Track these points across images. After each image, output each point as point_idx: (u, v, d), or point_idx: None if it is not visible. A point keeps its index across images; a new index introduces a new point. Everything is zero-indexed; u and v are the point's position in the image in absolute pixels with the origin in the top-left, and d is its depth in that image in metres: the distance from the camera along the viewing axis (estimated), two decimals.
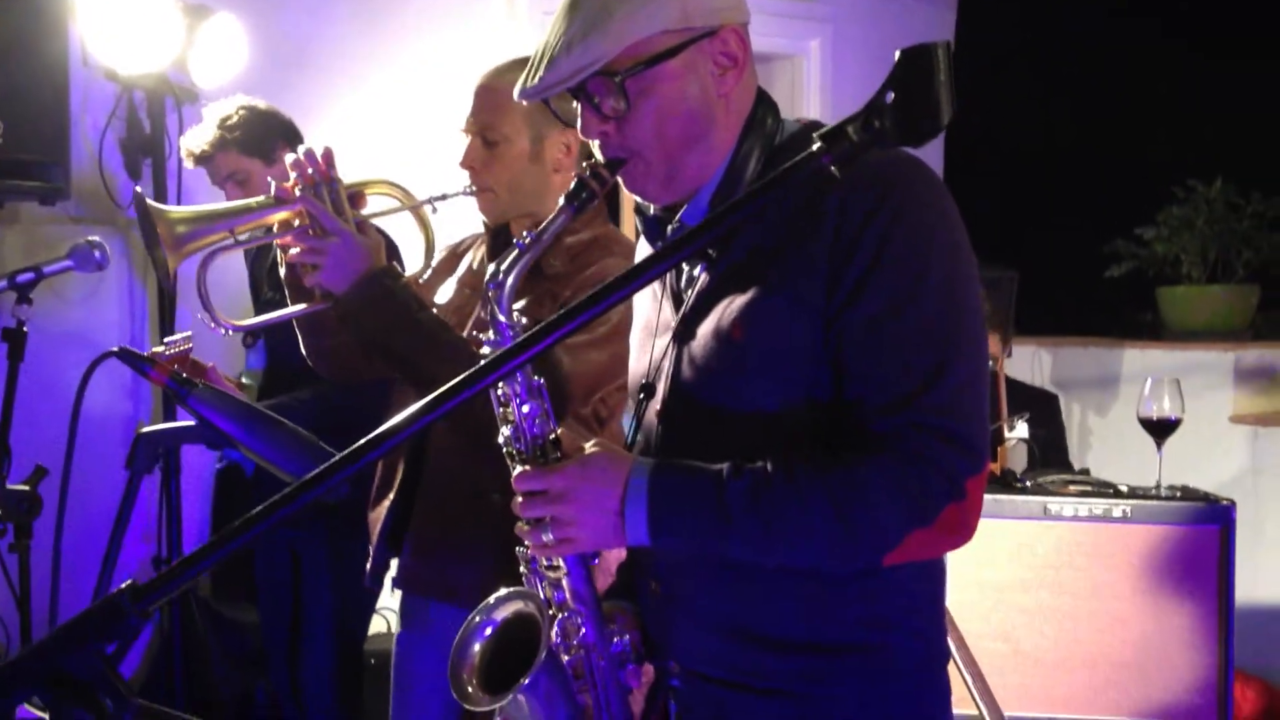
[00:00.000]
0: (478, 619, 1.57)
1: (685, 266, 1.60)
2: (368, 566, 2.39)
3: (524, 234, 1.56)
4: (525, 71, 1.52)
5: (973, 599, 2.93)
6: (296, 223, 2.13)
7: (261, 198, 2.16)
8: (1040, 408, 4.80)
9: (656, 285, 1.66)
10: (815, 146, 1.11)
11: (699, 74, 1.51)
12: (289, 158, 2.16)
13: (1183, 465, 3.52)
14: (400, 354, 2.08)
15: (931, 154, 5.52)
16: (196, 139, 3.12)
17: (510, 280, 1.55)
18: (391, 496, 2.34)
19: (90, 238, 2.74)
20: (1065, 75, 5.92)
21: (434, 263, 2.39)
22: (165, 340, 2.37)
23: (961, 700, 2.76)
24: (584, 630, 1.57)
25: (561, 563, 1.55)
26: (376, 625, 3.49)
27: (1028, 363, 5.06)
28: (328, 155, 2.16)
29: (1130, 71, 5.81)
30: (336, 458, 0.88)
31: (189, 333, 2.41)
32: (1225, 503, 2.94)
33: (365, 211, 2.23)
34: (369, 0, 4.30)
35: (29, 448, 2.94)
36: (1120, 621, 2.90)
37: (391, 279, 2.10)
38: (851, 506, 1.40)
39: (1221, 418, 4.67)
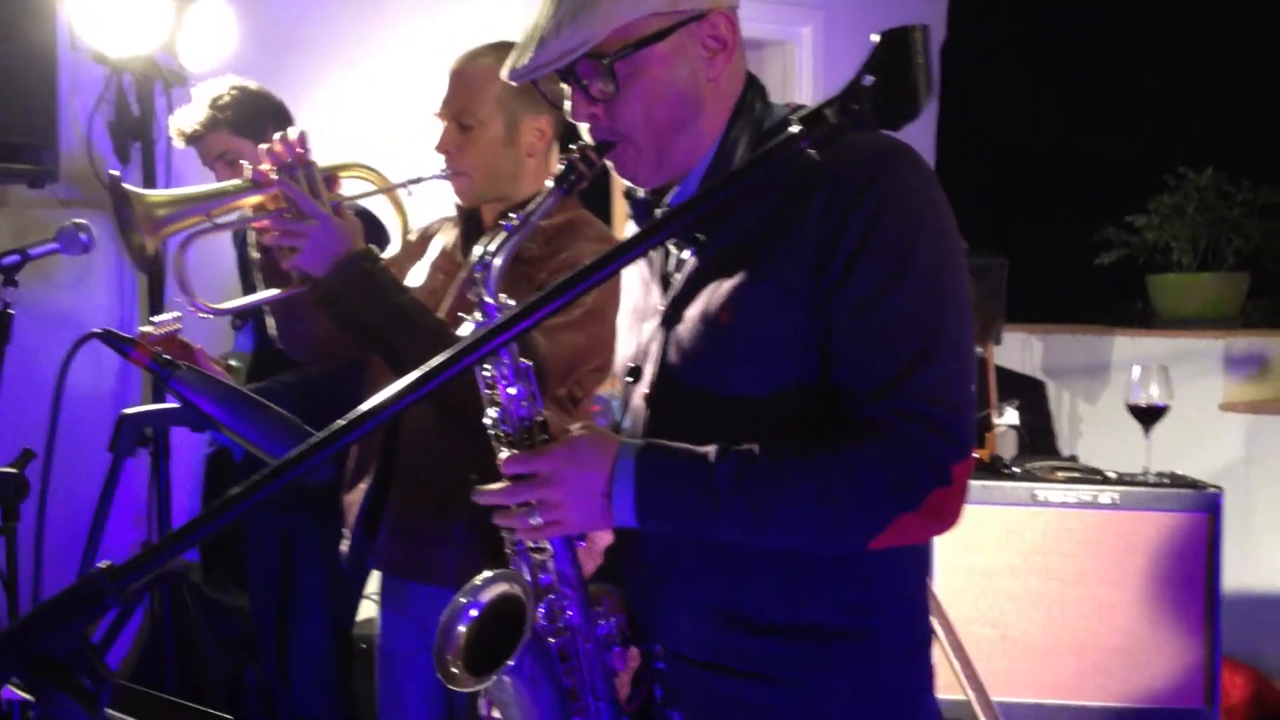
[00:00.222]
0: (463, 600, 1.57)
1: (674, 250, 1.59)
2: (344, 550, 2.40)
3: (512, 216, 1.56)
4: (514, 52, 1.52)
5: (961, 584, 2.94)
6: (273, 206, 2.13)
7: (238, 181, 2.17)
8: (1027, 394, 4.81)
9: (645, 269, 1.66)
10: (794, 129, 1.11)
11: (688, 57, 1.51)
12: (263, 145, 2.16)
13: (1173, 453, 3.52)
14: (381, 336, 2.09)
15: (923, 143, 5.52)
16: (187, 118, 3.11)
17: (499, 262, 1.55)
18: (368, 480, 2.34)
19: (76, 220, 2.73)
20: (1056, 64, 5.91)
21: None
22: (153, 320, 2.37)
23: (950, 685, 2.77)
24: (570, 613, 1.57)
25: (547, 545, 1.55)
26: (367, 610, 3.49)
27: (1019, 350, 5.06)
28: (302, 138, 2.17)
29: (1120, 61, 5.81)
30: (315, 438, 0.88)
31: (178, 314, 2.40)
32: (1213, 490, 2.95)
33: (342, 194, 2.23)
34: None
35: (17, 431, 2.93)
36: (1108, 607, 2.91)
37: (370, 261, 2.11)
38: (838, 490, 1.40)
39: (1212, 405, 4.68)
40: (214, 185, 2.21)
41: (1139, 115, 5.65)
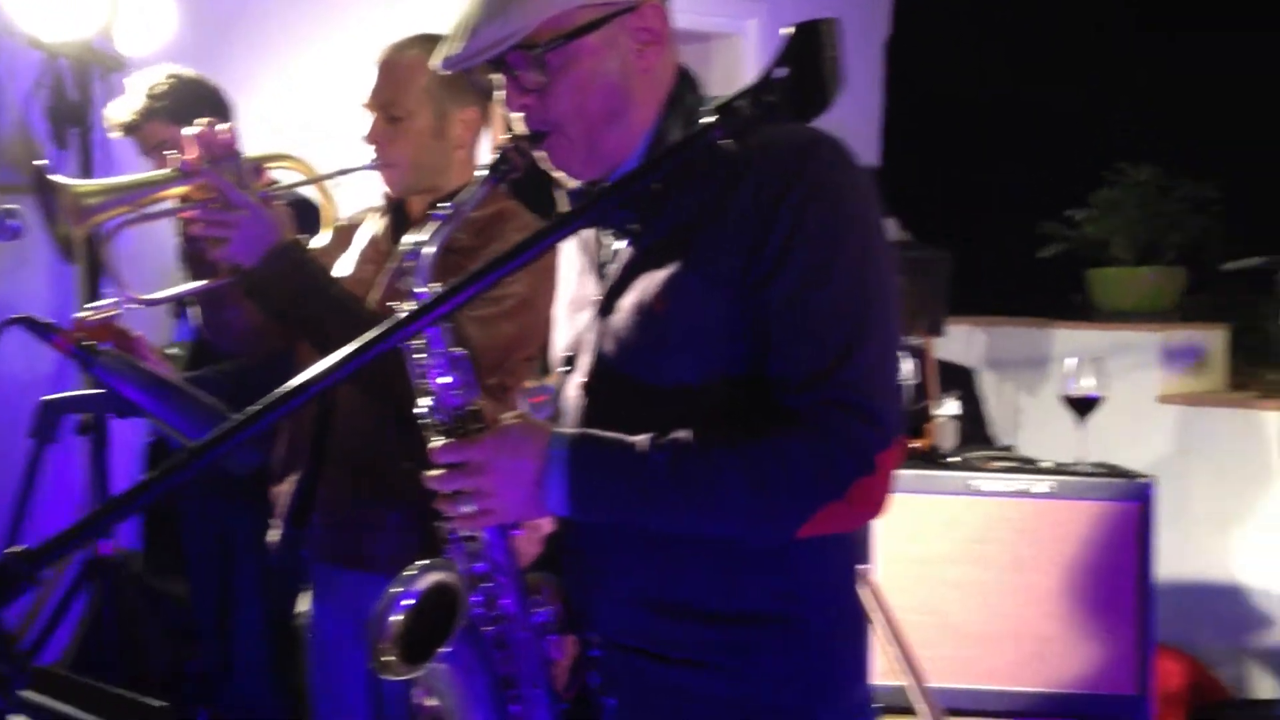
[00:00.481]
0: (397, 589, 1.58)
1: (608, 241, 1.60)
2: (272, 539, 2.39)
3: (442, 205, 1.56)
4: (445, 42, 1.52)
5: (901, 573, 2.97)
6: (201, 196, 2.12)
7: (166, 171, 2.16)
8: (969, 386, 4.86)
9: (581, 260, 1.67)
10: (707, 120, 1.12)
11: (619, 49, 1.52)
12: (187, 131, 2.15)
13: (1112, 444, 3.58)
14: (312, 326, 2.09)
15: (869, 137, 5.55)
16: (123, 108, 3.08)
17: (431, 251, 1.54)
18: (299, 470, 2.34)
19: (7, 205, 2.69)
20: (1000, 60, 5.97)
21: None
22: (90, 306, 2.35)
23: (889, 672, 2.80)
24: (505, 601, 1.57)
25: (482, 533, 1.55)
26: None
27: (961, 342, 5.11)
28: (232, 129, 2.16)
29: (1063, 57, 5.88)
30: (232, 421, 0.87)
31: (117, 300, 2.38)
32: (1144, 480, 3.00)
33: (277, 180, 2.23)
34: None
35: None
36: (1043, 595, 2.96)
37: (300, 251, 2.11)
38: (767, 481, 1.42)
39: (1150, 397, 4.75)
40: (142, 175, 2.20)
41: (1081, 111, 5.72)
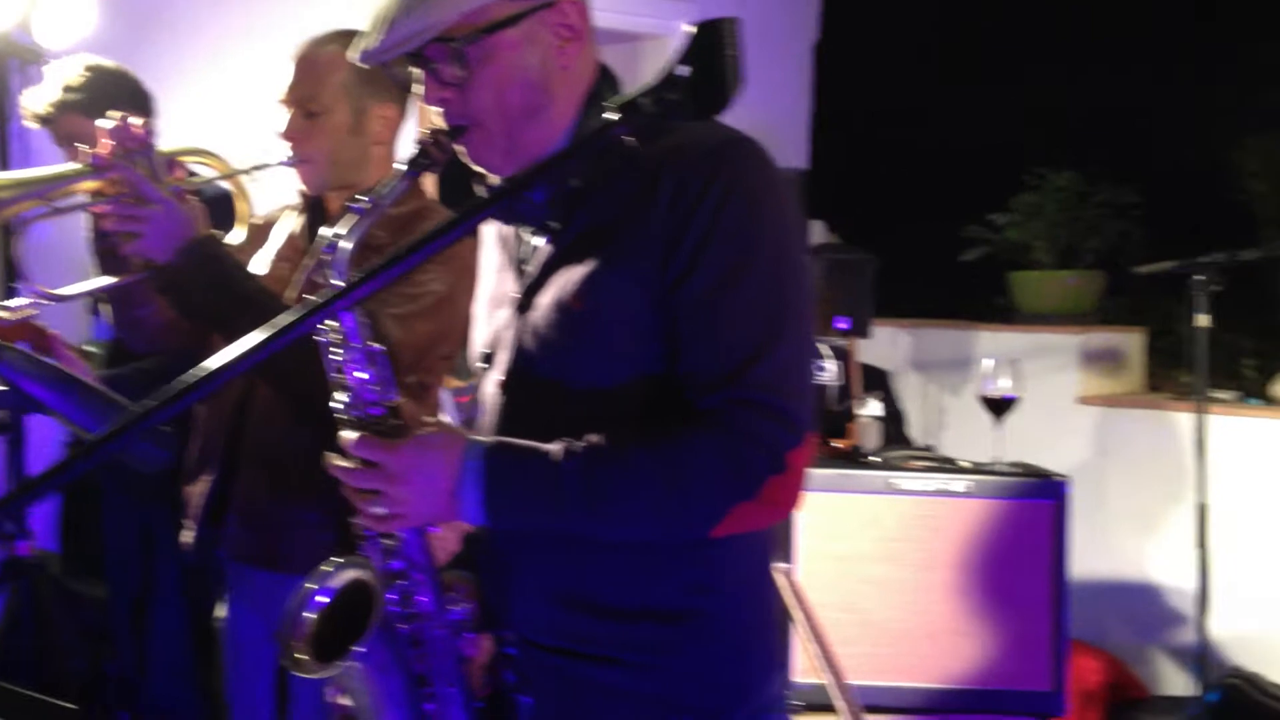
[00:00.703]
0: (310, 587, 1.57)
1: (527, 238, 1.61)
2: (185, 539, 2.37)
3: (360, 198, 1.55)
4: (365, 34, 1.52)
5: (822, 570, 3.00)
6: (113, 191, 2.09)
7: (77, 165, 2.13)
8: (893, 387, 4.92)
9: (501, 257, 1.67)
10: (610, 117, 1.13)
11: (539, 44, 1.52)
12: (102, 123, 2.13)
13: (1032, 444, 3.64)
14: (227, 323, 2.07)
15: (797, 142, 5.59)
16: (37, 100, 3.03)
17: (349, 245, 1.54)
18: (213, 469, 2.32)
19: None
20: (926, 65, 6.06)
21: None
22: (7, 305, 2.31)
23: (809, 670, 2.83)
24: (421, 599, 1.57)
25: (398, 531, 1.55)
26: None
27: (887, 344, 5.17)
28: (147, 123, 2.14)
29: (987, 63, 5.97)
30: (133, 411, 0.87)
31: (30, 298, 2.35)
32: (1058, 479, 3.05)
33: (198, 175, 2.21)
34: None
35: None
36: (961, 592, 3.00)
37: (214, 247, 2.09)
38: (679, 482, 1.43)
39: (1069, 398, 4.84)
40: (52, 169, 2.16)
41: (1004, 115, 5.82)
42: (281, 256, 2.35)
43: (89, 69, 3.05)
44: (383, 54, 1.50)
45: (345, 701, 1.60)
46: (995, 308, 5.34)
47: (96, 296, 2.58)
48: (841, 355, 3.35)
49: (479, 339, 1.70)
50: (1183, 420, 4.32)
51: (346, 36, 2.11)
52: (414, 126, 2.46)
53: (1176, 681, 4.39)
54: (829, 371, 3.32)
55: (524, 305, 1.57)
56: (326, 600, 1.57)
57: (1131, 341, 5.05)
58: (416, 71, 1.54)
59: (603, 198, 1.52)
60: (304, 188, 2.32)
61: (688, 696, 1.52)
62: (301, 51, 2.26)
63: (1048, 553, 3.00)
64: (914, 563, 3.01)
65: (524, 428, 1.51)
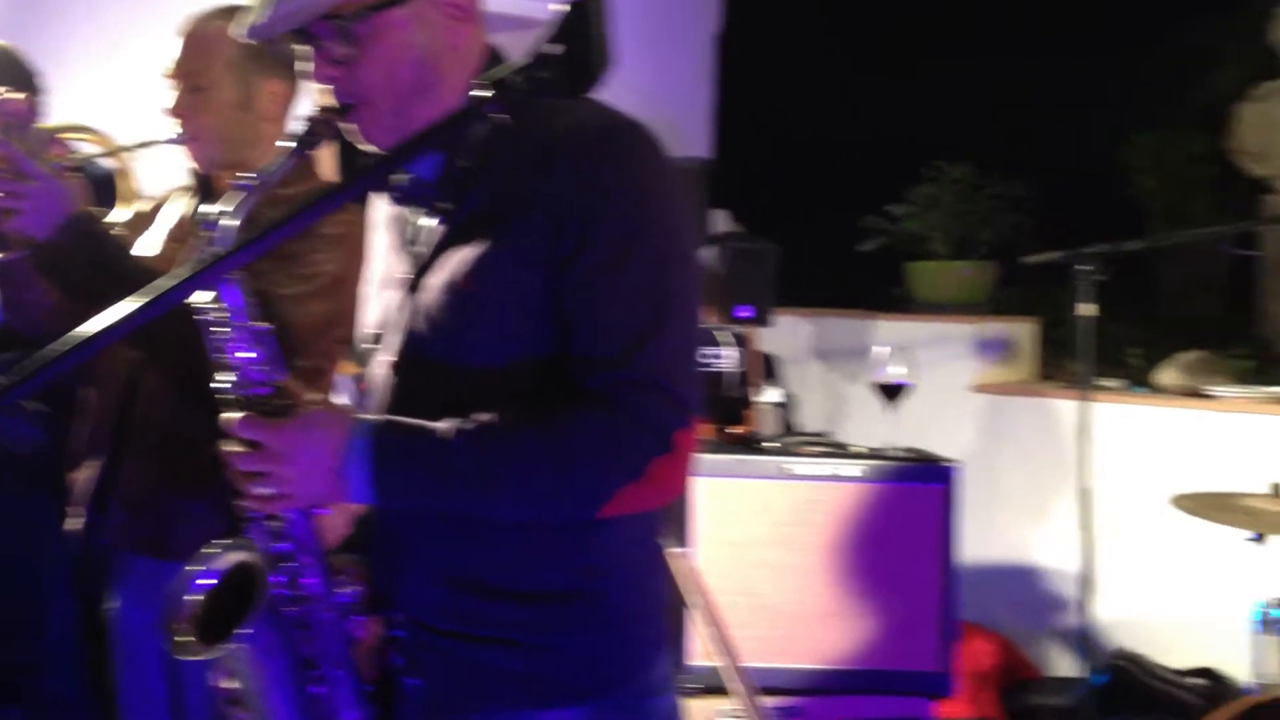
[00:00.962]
0: (194, 569, 1.55)
1: (418, 219, 1.60)
2: (73, 527, 2.33)
3: (246, 176, 1.54)
4: (252, 9, 1.50)
5: (719, 555, 3.03)
6: None
7: None
8: (794, 375, 4.98)
9: (392, 237, 1.66)
10: (480, 94, 1.14)
11: (428, 24, 1.52)
12: None
13: (926, 431, 3.71)
14: (109, 301, 2.03)
15: (700, 130, 5.62)
16: None
17: (233, 222, 1.52)
18: (100, 454, 2.28)
19: None
20: (827, 58, 6.13)
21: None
22: None
23: (706, 653, 2.86)
24: (308, 581, 1.56)
25: (285, 513, 1.54)
26: None
27: (788, 333, 5.23)
28: (28, 98, 2.10)
29: (887, 56, 6.06)
30: None
31: None
32: (948, 464, 3.12)
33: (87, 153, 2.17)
34: None
35: None
36: (853, 575, 3.05)
37: (95, 224, 2.05)
38: (567, 463, 1.44)
39: (963, 387, 4.94)
40: None
41: (903, 109, 5.91)
42: (173, 237, 2.32)
43: None
44: (269, 29, 1.49)
45: (231, 685, 1.58)
46: (893, 297, 5.42)
47: None
48: (740, 342, 3.38)
49: (369, 320, 1.70)
50: (1070, 408, 4.41)
51: (235, 12, 2.08)
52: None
53: (1066, 663, 4.50)
54: (728, 358, 3.35)
55: (414, 286, 1.57)
56: (210, 583, 1.55)
57: (1023, 331, 5.17)
58: (305, 49, 1.54)
59: (493, 179, 1.52)
60: (194, 166, 2.29)
61: (575, 677, 1.53)
62: (188, 26, 2.24)
63: (937, 536, 3.06)
64: (808, 546, 3.05)
65: (414, 409, 1.51)
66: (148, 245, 2.31)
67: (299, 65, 1.57)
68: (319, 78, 1.54)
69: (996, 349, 5.03)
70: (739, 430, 3.32)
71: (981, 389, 4.94)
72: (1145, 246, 3.63)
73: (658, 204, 1.50)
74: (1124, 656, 4.28)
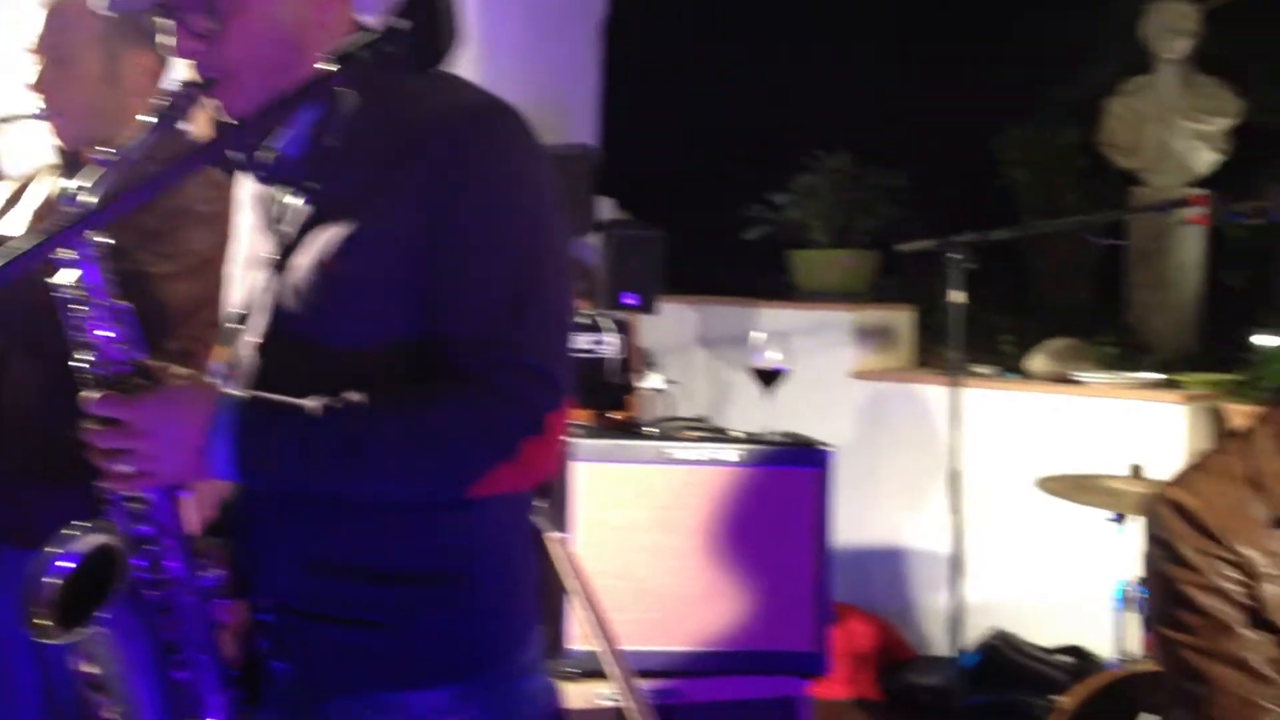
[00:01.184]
0: (53, 551, 1.52)
1: (284, 198, 1.59)
2: None
3: (106, 150, 1.51)
4: None
5: (599, 539, 3.05)
6: None
7: None
8: (678, 362, 5.02)
9: (258, 216, 1.64)
10: (326, 67, 1.14)
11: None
12: None
13: (807, 418, 3.76)
14: None
15: (586, 117, 5.62)
16: None
17: (92, 198, 1.49)
18: None
19: None
20: (712, 47, 6.18)
21: None
22: None
23: (584, 637, 2.87)
24: (171, 564, 1.54)
25: (148, 495, 1.52)
26: None
27: (674, 321, 5.27)
28: None
29: (771, 46, 6.12)
30: None
31: None
32: (823, 448, 3.17)
33: None
34: None
35: None
36: (731, 558, 3.09)
37: None
38: (437, 441, 1.44)
39: (843, 373, 5.03)
40: None
41: (787, 99, 5.99)
42: (39, 217, 2.26)
43: None
44: (130, 2, 1.47)
45: (91, 669, 1.56)
46: (776, 285, 5.50)
47: None
48: (622, 329, 3.40)
49: (235, 301, 1.67)
50: (943, 394, 4.52)
51: None
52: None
53: (941, 642, 4.62)
54: (609, 345, 3.37)
55: (280, 266, 1.55)
56: (69, 565, 1.53)
57: (901, 319, 5.28)
58: (167, 22, 1.51)
59: (362, 158, 1.51)
60: (60, 143, 2.23)
61: (442, 658, 1.53)
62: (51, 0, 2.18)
63: (812, 518, 3.11)
64: (686, 530, 3.08)
65: (281, 391, 1.49)
66: (13, 225, 2.25)
67: (161, 39, 1.54)
68: (181, 52, 1.51)
69: (875, 337, 5.13)
70: (619, 416, 3.34)
71: (860, 376, 5.04)
72: (1012, 235, 3.73)
73: (528, 187, 1.51)
74: (996, 636, 4.40)
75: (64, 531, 1.54)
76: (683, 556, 3.08)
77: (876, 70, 6.01)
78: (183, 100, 1.51)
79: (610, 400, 3.38)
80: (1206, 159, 5.38)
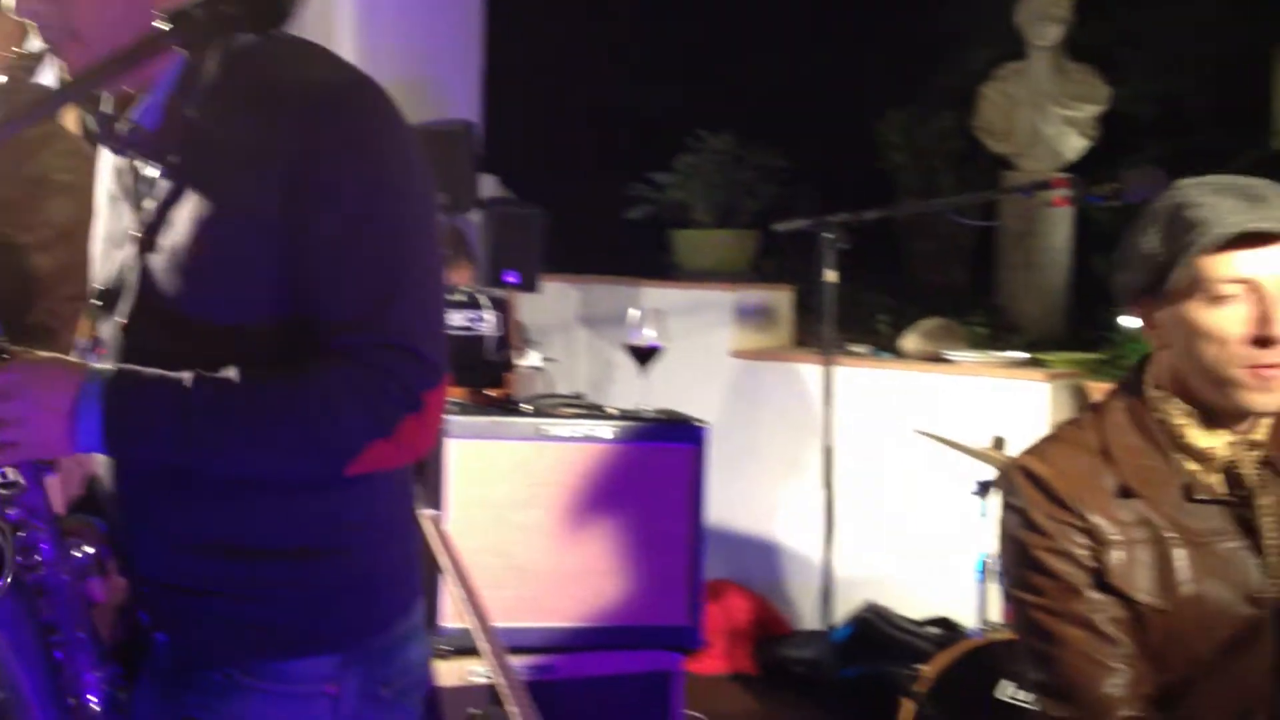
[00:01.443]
0: None
1: (143, 171, 1.55)
2: None
3: None
4: None
5: (473, 517, 3.05)
6: None
7: None
8: (559, 340, 5.04)
9: (115, 188, 1.61)
10: (161, 27, 1.13)
11: None
12: None
13: (687, 395, 3.81)
14: None
15: (469, 94, 5.58)
16: None
17: None
18: None
19: None
20: (599, 28, 6.18)
21: None
22: None
23: (457, 614, 2.88)
24: (43, 546, 1.52)
25: (17, 479, 1.49)
26: None
27: (556, 299, 5.27)
28: None
29: (656, 27, 6.14)
30: None
31: None
32: (698, 424, 3.21)
33: None
34: None
35: None
36: (605, 534, 3.12)
37: None
38: (313, 416, 1.43)
39: (723, 351, 5.09)
40: None
41: (670, 79, 6.02)
42: None
43: None
44: None
45: None
46: (659, 265, 5.54)
47: None
48: (501, 306, 3.39)
49: (97, 278, 1.64)
50: (819, 372, 4.61)
51: None
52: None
53: (815, 616, 4.70)
54: (487, 322, 3.36)
55: (144, 244, 1.52)
56: None
57: (781, 299, 5.35)
58: None
59: (220, 133, 1.47)
60: None
61: (323, 627, 1.53)
62: None
63: (687, 494, 3.15)
64: (562, 506, 3.10)
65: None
66: None
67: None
68: (22, 11, 1.47)
69: (755, 315, 5.20)
70: (496, 393, 3.34)
71: (739, 354, 5.10)
72: (883, 215, 3.81)
73: (391, 165, 1.49)
74: (868, 609, 4.50)
75: None
76: (558, 533, 3.10)
77: (761, 52, 6.07)
78: (16, 66, 1.47)
79: (488, 378, 3.38)
80: (1076, 144, 5.54)
